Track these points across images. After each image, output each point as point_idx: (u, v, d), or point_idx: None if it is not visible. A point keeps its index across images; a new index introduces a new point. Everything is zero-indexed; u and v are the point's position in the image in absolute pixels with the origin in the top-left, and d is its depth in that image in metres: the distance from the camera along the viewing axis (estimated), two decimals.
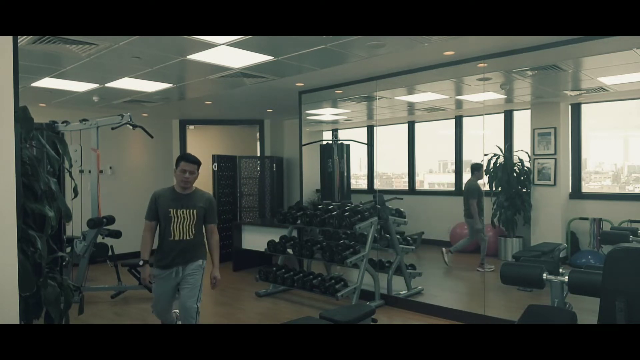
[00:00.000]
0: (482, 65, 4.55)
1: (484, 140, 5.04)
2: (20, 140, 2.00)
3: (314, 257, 5.28)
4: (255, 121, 8.90)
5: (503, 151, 6.43)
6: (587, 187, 6.03)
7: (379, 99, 5.93)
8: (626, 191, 6.03)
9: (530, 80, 5.43)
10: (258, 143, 9.01)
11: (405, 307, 5.04)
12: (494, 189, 6.45)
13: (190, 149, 8.33)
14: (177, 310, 3.54)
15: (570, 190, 6.02)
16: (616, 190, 6.07)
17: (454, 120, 6.91)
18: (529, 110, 6.36)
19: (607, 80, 5.18)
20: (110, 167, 7.76)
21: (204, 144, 9.06)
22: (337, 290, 4.86)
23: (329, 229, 5.34)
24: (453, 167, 7.13)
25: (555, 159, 5.90)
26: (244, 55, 4.42)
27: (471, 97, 6.19)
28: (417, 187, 7.32)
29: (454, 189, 7.06)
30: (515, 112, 6.58)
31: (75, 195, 3.00)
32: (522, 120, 6.41)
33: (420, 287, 5.39)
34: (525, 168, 6.33)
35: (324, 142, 6.71)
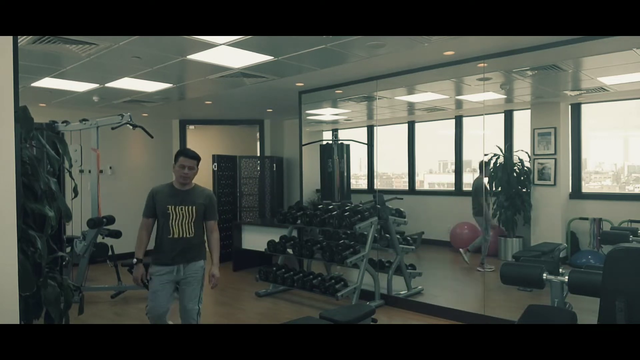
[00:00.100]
0: (482, 65, 4.55)
1: (484, 140, 5.04)
2: (20, 140, 2.00)
3: (314, 257, 5.28)
4: (255, 121, 8.90)
5: (503, 151, 6.43)
6: (587, 187, 6.03)
7: (379, 99, 5.93)
8: (626, 191, 6.04)
9: (530, 80, 5.43)
10: (258, 143, 9.01)
11: (405, 307, 5.04)
12: (494, 189, 6.45)
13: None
14: (170, 322, 3.48)
15: (570, 190, 6.02)
16: (616, 190, 6.07)
17: (454, 120, 6.91)
18: (529, 110, 6.36)
19: (607, 80, 5.18)
20: (110, 167, 7.76)
21: (204, 144, 9.05)
22: (337, 290, 4.86)
23: (329, 229, 5.34)
24: (453, 167, 7.13)
25: (555, 159, 5.90)
26: (244, 55, 4.41)
27: (471, 97, 6.19)
28: (417, 187, 7.32)
29: (454, 189, 7.06)
30: (515, 112, 6.58)
31: (75, 195, 3.00)
32: (522, 120, 6.41)
33: (420, 287, 5.39)
34: (525, 168, 6.33)
35: (324, 142, 6.71)
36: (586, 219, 5.70)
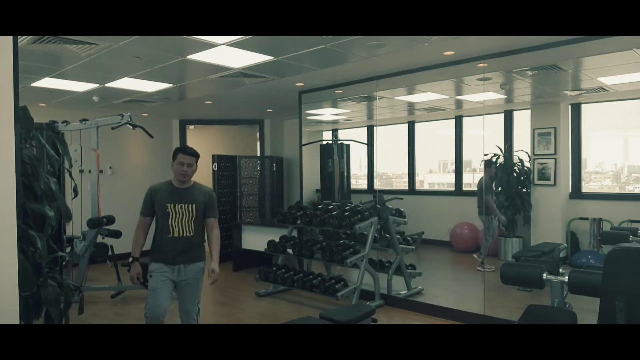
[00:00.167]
0: (482, 65, 4.55)
1: (484, 140, 5.04)
2: (20, 140, 2.00)
3: (314, 257, 5.28)
4: (255, 121, 8.90)
5: (503, 151, 6.43)
6: (587, 187, 6.03)
7: (379, 99, 5.93)
8: (626, 191, 6.04)
9: (530, 80, 5.43)
10: (258, 143, 9.01)
11: (405, 307, 5.04)
12: (494, 189, 6.45)
13: None
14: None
15: (570, 190, 6.02)
16: (616, 190, 6.07)
17: (454, 120, 6.91)
18: (529, 110, 6.36)
19: (607, 80, 5.18)
20: (110, 167, 7.76)
21: (204, 144, 9.03)
22: (337, 290, 4.86)
23: (329, 229, 5.34)
24: (453, 167, 7.13)
25: (555, 159, 5.90)
26: (244, 55, 4.41)
27: (471, 97, 6.19)
28: (417, 187, 7.32)
29: (454, 189, 7.06)
30: (515, 112, 6.58)
31: (75, 195, 3.00)
32: (522, 120, 6.41)
33: (420, 287, 5.39)
34: (525, 168, 6.33)
35: (324, 142, 6.71)
36: (586, 219, 5.70)
